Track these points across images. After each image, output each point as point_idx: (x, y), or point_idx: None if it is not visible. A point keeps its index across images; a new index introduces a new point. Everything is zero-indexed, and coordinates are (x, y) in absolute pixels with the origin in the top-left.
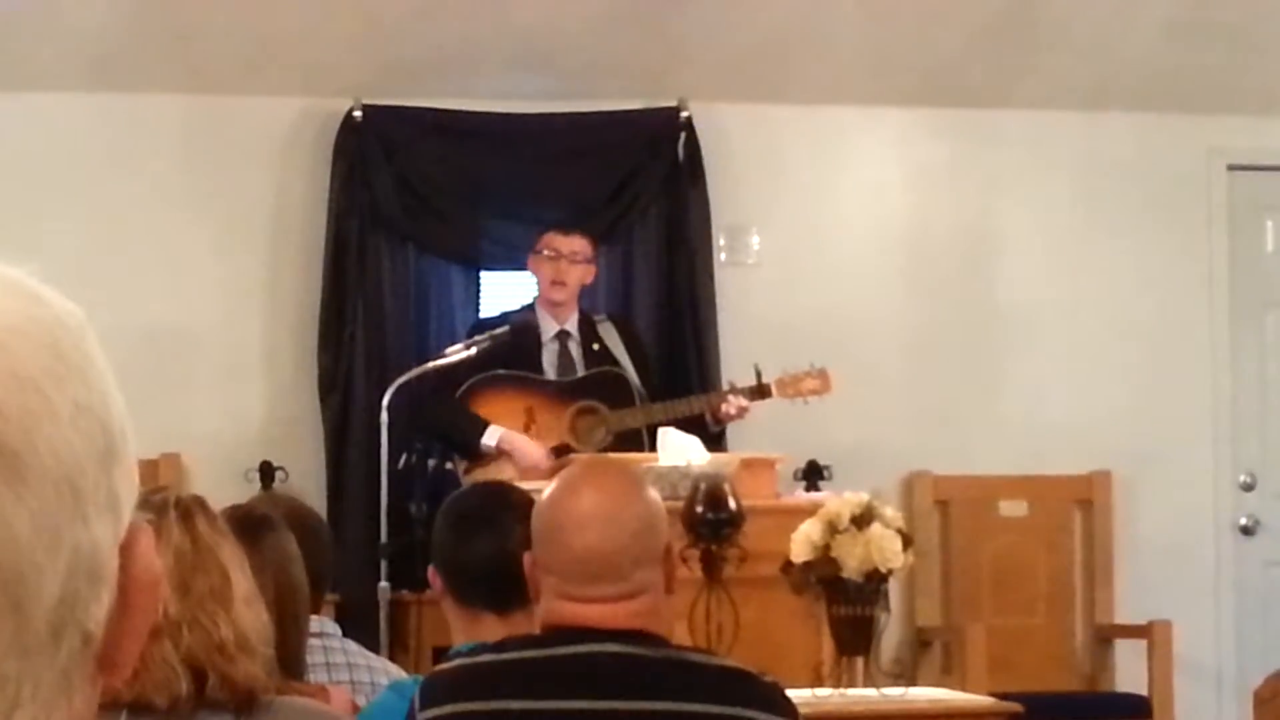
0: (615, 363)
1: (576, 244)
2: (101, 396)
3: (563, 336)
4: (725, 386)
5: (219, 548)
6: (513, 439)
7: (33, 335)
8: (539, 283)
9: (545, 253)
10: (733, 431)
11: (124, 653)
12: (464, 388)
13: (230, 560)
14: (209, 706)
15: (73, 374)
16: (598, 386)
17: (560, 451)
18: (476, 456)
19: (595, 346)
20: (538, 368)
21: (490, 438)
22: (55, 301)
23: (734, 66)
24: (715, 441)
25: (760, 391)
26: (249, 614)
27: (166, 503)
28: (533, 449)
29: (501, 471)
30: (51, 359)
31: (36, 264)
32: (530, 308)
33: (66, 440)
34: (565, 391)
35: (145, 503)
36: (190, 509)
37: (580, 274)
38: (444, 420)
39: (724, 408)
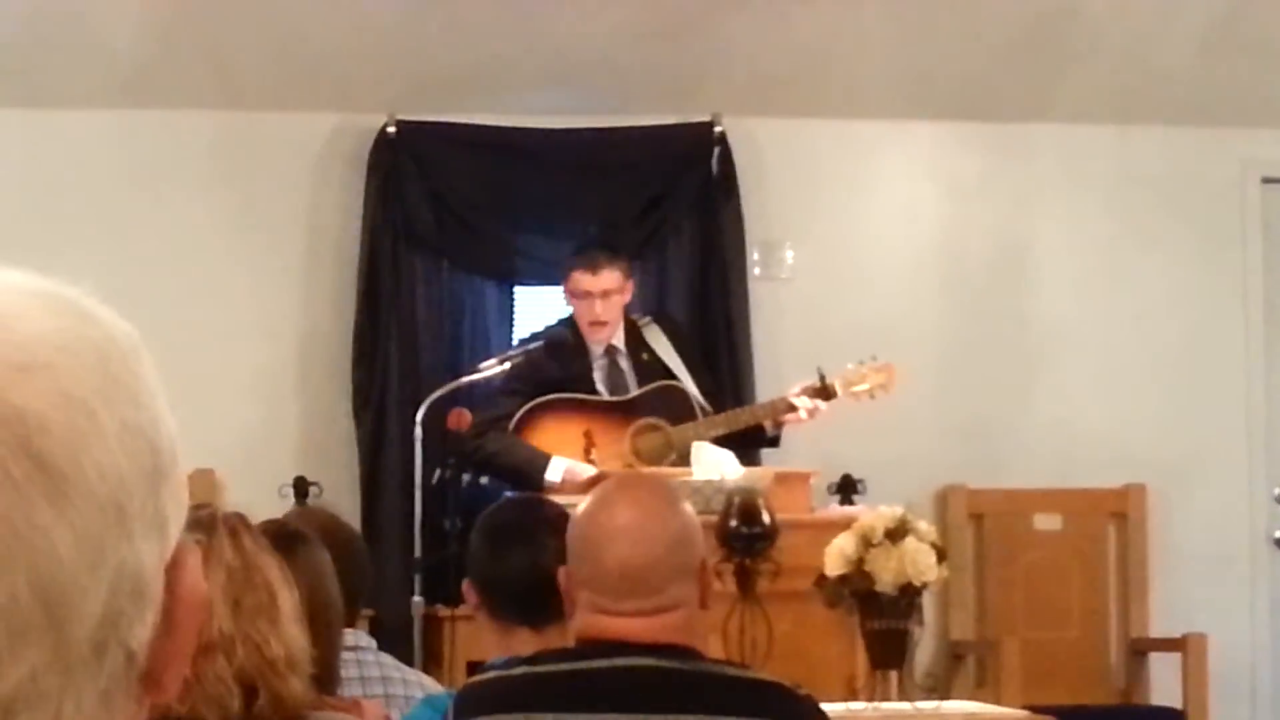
0: (667, 372)
1: (606, 281)
2: (151, 417)
3: (610, 352)
4: (758, 400)
5: (265, 565)
6: (577, 470)
7: (83, 354)
8: (576, 315)
9: (574, 297)
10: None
11: (169, 672)
12: (518, 417)
13: (276, 578)
14: None
15: (122, 394)
16: (655, 403)
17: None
18: (542, 493)
19: (645, 356)
20: (591, 386)
21: (554, 473)
22: (108, 321)
23: (767, 81)
24: (772, 445)
25: (824, 392)
26: (296, 632)
27: (215, 519)
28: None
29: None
30: (101, 378)
31: (86, 283)
32: (571, 322)
33: (113, 460)
34: (622, 410)
35: (192, 521)
36: (236, 526)
37: (617, 304)
38: (503, 459)
39: (799, 418)
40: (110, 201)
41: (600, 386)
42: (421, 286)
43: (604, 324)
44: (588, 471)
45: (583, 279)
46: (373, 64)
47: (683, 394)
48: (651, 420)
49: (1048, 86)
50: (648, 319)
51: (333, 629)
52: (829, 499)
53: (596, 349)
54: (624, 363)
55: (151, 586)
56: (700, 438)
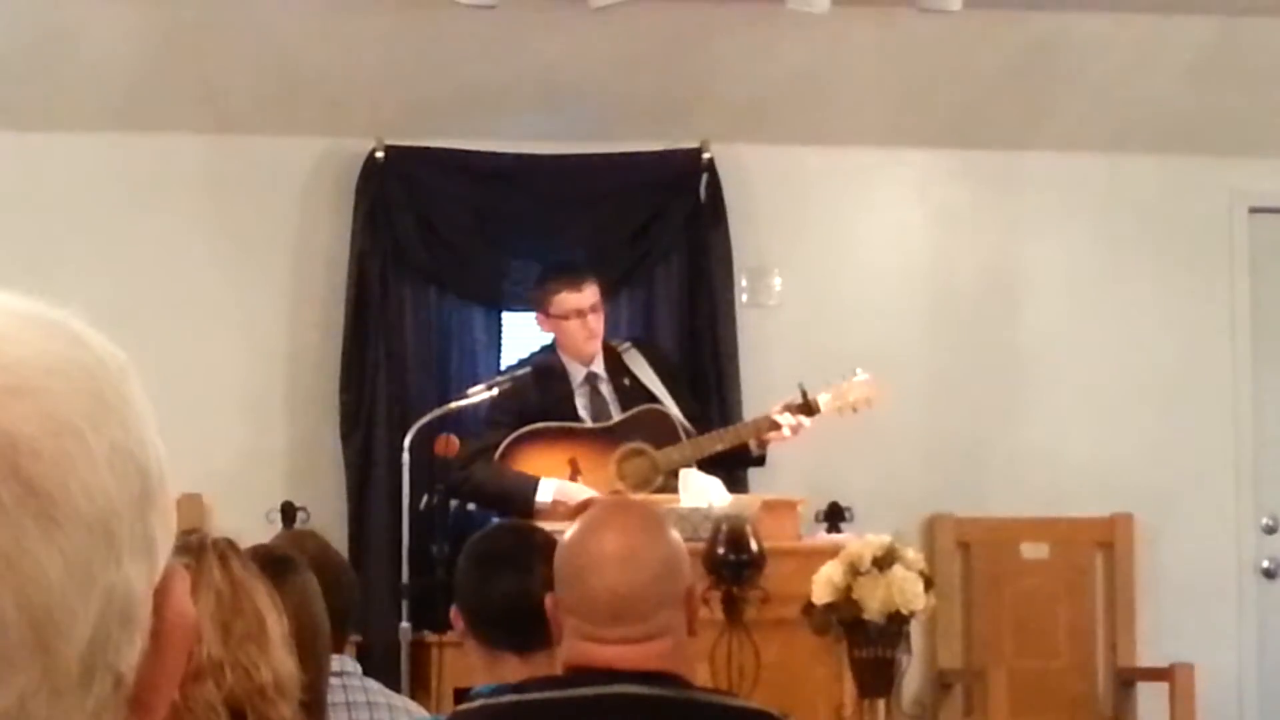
0: (649, 395)
1: (590, 294)
2: (140, 440)
3: (591, 379)
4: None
5: (254, 591)
6: (568, 490)
7: (72, 377)
8: (564, 341)
9: (563, 318)
10: (754, 473)
11: (157, 697)
12: (502, 448)
13: (264, 603)
14: None
15: (111, 417)
16: (639, 427)
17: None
18: (533, 516)
19: (626, 382)
20: (573, 414)
21: (545, 494)
22: (97, 344)
23: (756, 108)
24: (758, 464)
25: (807, 409)
26: (285, 657)
27: (204, 544)
28: (589, 496)
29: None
30: (90, 402)
31: (76, 305)
32: (552, 350)
33: (102, 484)
34: (607, 436)
35: (181, 545)
36: (226, 551)
37: (601, 319)
38: (492, 486)
39: (782, 436)
40: (100, 225)
41: (582, 413)
42: (409, 311)
43: (596, 337)
44: (580, 491)
45: (570, 298)
46: (362, 89)
47: (666, 417)
48: (636, 445)
49: (1037, 115)
50: (627, 345)
51: (321, 655)
52: (816, 527)
53: (578, 375)
54: (605, 389)
55: (140, 610)
56: (685, 460)
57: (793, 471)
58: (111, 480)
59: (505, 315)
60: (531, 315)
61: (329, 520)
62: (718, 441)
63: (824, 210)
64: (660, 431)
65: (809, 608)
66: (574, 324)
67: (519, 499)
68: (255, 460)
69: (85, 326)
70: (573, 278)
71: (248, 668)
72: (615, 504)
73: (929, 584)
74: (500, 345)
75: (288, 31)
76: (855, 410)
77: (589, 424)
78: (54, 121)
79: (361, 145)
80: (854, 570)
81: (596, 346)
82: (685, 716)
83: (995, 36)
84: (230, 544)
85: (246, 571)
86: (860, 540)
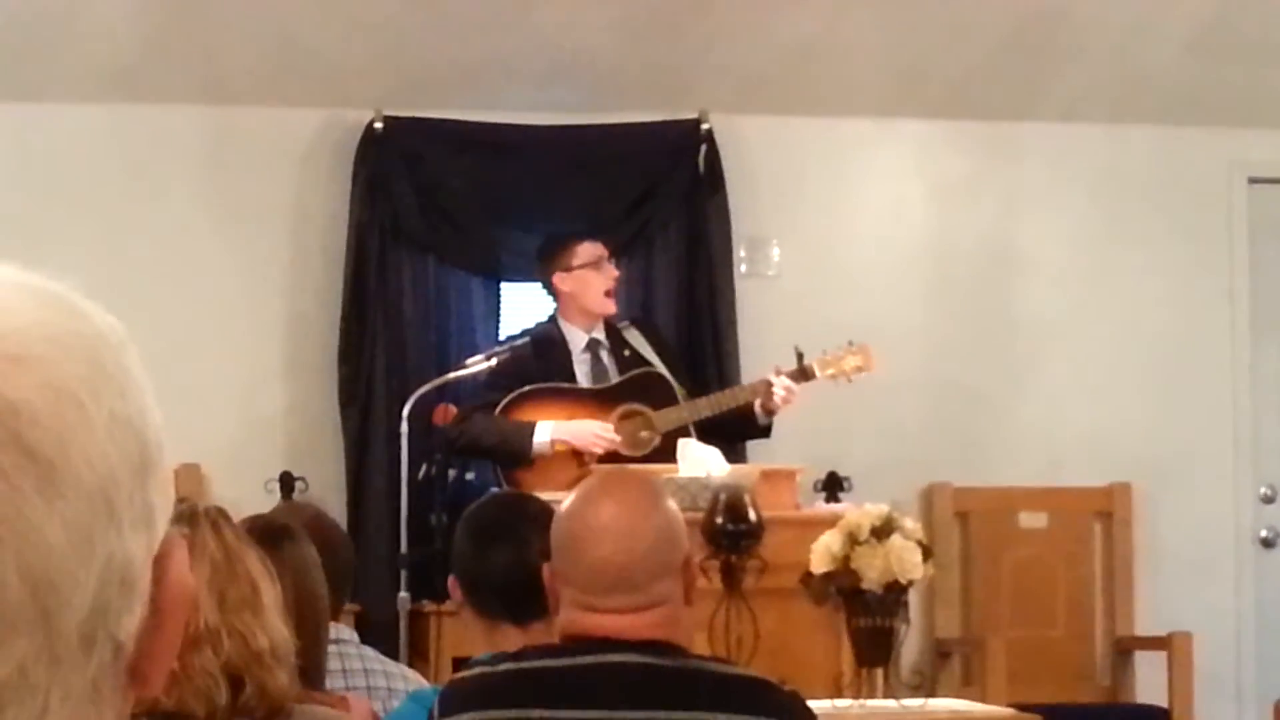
0: (649, 365)
1: (601, 246)
2: (139, 409)
3: (594, 346)
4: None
5: (247, 558)
6: (566, 427)
7: (72, 347)
8: (584, 297)
9: (589, 266)
10: (752, 443)
11: (156, 665)
12: (500, 409)
13: (257, 570)
14: (239, 715)
15: (111, 386)
16: (638, 389)
17: (612, 458)
18: (531, 462)
19: (626, 353)
20: (571, 380)
21: (542, 435)
22: (96, 315)
23: (755, 79)
24: (763, 435)
25: (802, 374)
26: (279, 623)
27: (196, 512)
28: (593, 424)
29: (565, 469)
30: (90, 371)
31: (74, 276)
32: (552, 320)
33: (102, 452)
34: (605, 398)
35: (174, 514)
36: (218, 519)
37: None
38: (489, 436)
39: (774, 399)
40: (98, 196)
41: (583, 381)
42: (408, 282)
43: (613, 290)
44: (579, 426)
45: (594, 247)
46: (360, 60)
47: (663, 380)
48: (633, 406)
49: (1036, 85)
50: (626, 322)
51: (319, 624)
52: (815, 496)
53: (580, 342)
54: (606, 357)
55: (140, 579)
56: (682, 421)
57: (791, 441)
58: (112, 449)
59: (504, 286)
60: (530, 286)
61: (327, 490)
62: (716, 404)
63: (822, 181)
64: (658, 394)
65: (807, 577)
66: (598, 275)
67: (516, 445)
68: (254, 430)
69: (82, 298)
70: (585, 235)
71: (244, 634)
72: (613, 474)
73: (927, 553)
74: (499, 316)
75: (286, 2)
76: (850, 379)
77: (587, 385)
78: (52, 92)
79: (360, 116)
80: (852, 540)
81: (612, 304)
82: (683, 685)
83: (994, 7)
84: (221, 512)
85: (238, 539)
86: (859, 510)
